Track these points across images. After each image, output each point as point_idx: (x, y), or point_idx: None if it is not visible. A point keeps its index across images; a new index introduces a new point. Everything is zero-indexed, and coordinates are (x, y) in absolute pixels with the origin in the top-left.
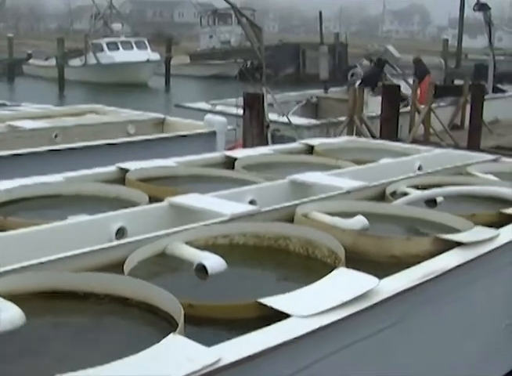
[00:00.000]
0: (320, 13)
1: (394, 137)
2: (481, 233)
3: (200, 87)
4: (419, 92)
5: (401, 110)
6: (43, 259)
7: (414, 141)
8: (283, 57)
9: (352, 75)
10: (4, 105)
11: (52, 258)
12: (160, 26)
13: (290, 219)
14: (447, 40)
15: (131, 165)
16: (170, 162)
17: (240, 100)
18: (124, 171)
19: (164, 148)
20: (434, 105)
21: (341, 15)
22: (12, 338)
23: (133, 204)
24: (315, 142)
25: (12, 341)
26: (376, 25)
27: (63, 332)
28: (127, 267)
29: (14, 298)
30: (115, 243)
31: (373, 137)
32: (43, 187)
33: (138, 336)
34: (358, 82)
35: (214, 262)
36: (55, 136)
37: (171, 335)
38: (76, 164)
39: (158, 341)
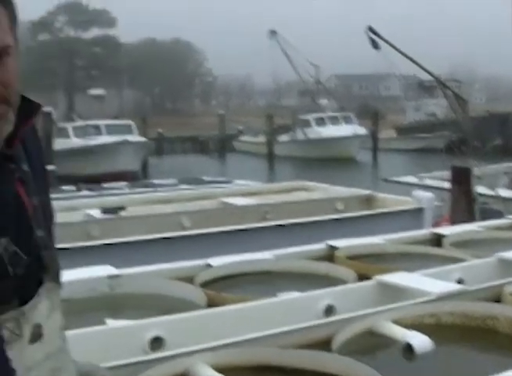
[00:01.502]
0: None
1: None
2: None
3: (407, 160)
4: None
5: None
6: (253, 335)
7: None
8: (491, 128)
9: None
10: (216, 181)
11: (262, 334)
12: (366, 99)
13: (498, 298)
14: None
15: (340, 242)
16: (378, 239)
17: (448, 174)
18: (333, 248)
19: (372, 224)
20: None
21: None
22: None
23: (341, 282)
24: None
25: None
26: None
27: None
28: (334, 344)
29: (225, 371)
30: (323, 320)
31: None
32: (254, 264)
33: None
34: None
35: (420, 342)
36: (266, 213)
37: None
38: (285, 241)
39: None
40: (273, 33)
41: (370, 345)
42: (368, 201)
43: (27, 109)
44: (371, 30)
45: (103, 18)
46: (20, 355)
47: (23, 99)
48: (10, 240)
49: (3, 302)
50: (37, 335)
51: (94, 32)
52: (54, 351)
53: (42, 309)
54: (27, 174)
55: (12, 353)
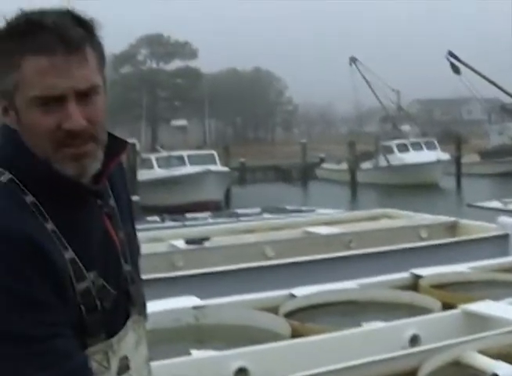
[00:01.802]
0: None
1: None
2: None
3: (491, 185)
4: None
5: None
6: (338, 366)
7: None
8: None
9: None
10: (299, 210)
11: (347, 365)
12: (448, 124)
13: None
14: None
15: (424, 271)
16: (462, 267)
17: None
18: (417, 277)
19: (456, 252)
20: None
21: None
22: None
23: (426, 311)
24: None
25: None
26: None
27: None
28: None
29: None
30: (408, 351)
31: None
32: (338, 294)
33: None
34: None
35: (508, 373)
36: (350, 242)
37: None
38: (370, 270)
39: None
40: (353, 59)
41: None
42: (452, 228)
43: (114, 146)
44: (451, 54)
45: (185, 50)
46: None
47: (110, 136)
48: (98, 275)
49: (91, 335)
50: (124, 367)
51: (176, 64)
52: None
53: (129, 342)
54: (113, 209)
55: None
